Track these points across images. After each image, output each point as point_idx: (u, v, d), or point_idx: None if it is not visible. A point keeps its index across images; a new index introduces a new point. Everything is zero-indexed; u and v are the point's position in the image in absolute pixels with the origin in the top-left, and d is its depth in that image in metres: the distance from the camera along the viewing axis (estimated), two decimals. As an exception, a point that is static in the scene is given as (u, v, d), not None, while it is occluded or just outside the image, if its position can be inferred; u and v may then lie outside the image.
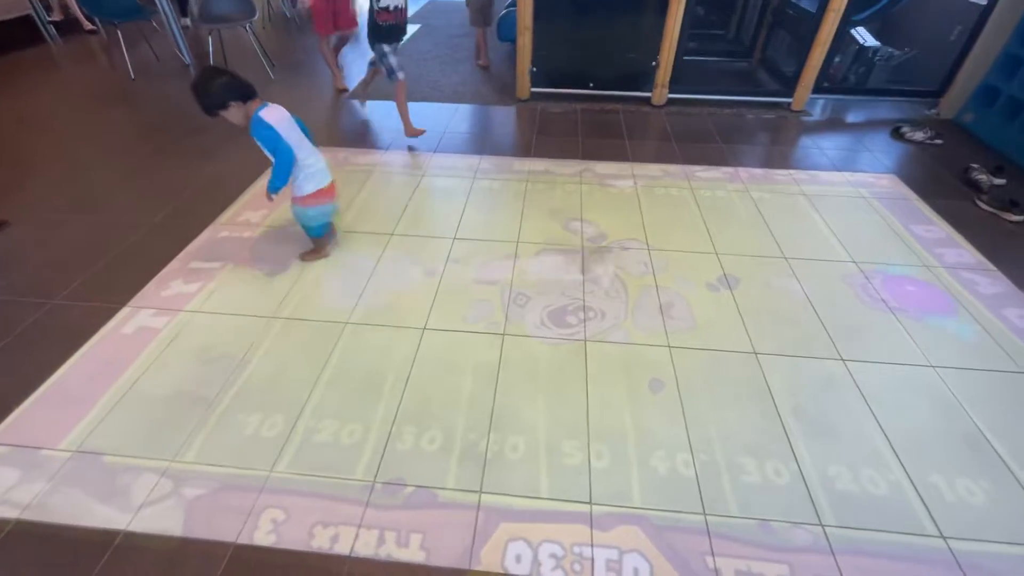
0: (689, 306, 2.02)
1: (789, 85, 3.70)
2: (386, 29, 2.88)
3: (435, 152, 3.17)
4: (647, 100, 3.81)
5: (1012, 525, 1.34)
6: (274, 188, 1.92)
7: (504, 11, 4.85)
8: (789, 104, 3.74)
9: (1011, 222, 2.54)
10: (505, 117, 3.67)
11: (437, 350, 1.83)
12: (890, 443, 1.53)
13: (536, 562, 1.26)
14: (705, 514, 1.35)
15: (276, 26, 5.99)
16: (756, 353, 1.82)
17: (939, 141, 3.29)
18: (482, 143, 3.31)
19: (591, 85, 3.81)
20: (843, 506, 1.37)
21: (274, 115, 1.89)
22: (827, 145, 3.32)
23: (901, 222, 2.53)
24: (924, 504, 1.38)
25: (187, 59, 4.56)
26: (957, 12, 3.75)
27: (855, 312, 2.00)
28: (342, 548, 1.27)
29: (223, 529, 1.31)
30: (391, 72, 2.99)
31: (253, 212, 2.55)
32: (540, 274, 2.18)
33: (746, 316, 1.97)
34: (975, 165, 2.87)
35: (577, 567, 1.24)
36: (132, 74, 4.25)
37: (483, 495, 1.39)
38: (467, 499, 1.38)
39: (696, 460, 1.48)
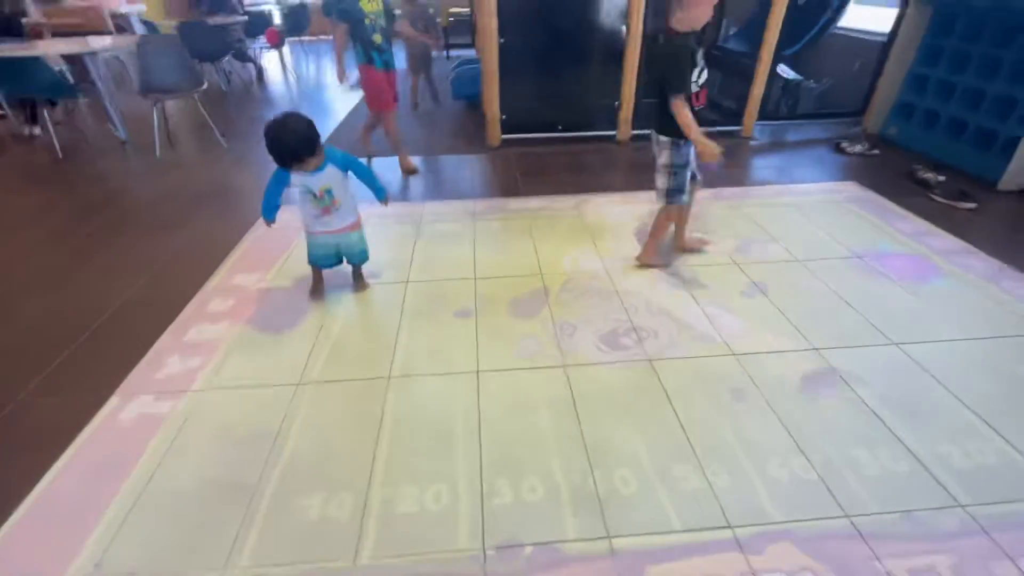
0: (733, 314, 2.01)
1: (738, 116, 4.03)
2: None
3: (425, 200, 3.09)
4: (612, 138, 3.99)
5: (1119, 474, 1.36)
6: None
7: (455, 70, 5.02)
8: (740, 131, 4.06)
9: (966, 210, 2.82)
10: (482, 164, 3.68)
11: (499, 391, 1.66)
12: (977, 414, 1.54)
13: (701, 604, 1.09)
14: (848, 516, 1.26)
15: (212, 99, 5.80)
16: (817, 349, 1.82)
17: (876, 151, 3.67)
18: (469, 188, 3.28)
19: (560, 128, 3.95)
20: (970, 483, 1.34)
21: None
22: (782, 163, 3.61)
23: (880, 219, 2.73)
24: (1037, 467, 1.38)
25: (122, 135, 4.24)
26: (856, 48, 4.35)
27: (885, 296, 2.08)
28: (475, 634, 1.04)
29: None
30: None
31: (247, 274, 2.30)
32: (575, 302, 2.10)
33: (790, 316, 1.99)
34: (918, 166, 3.21)
35: (747, 601, 1.10)
36: (60, 153, 3.88)
37: (613, 540, 1.22)
38: (597, 548, 1.20)
39: (812, 462, 1.40)
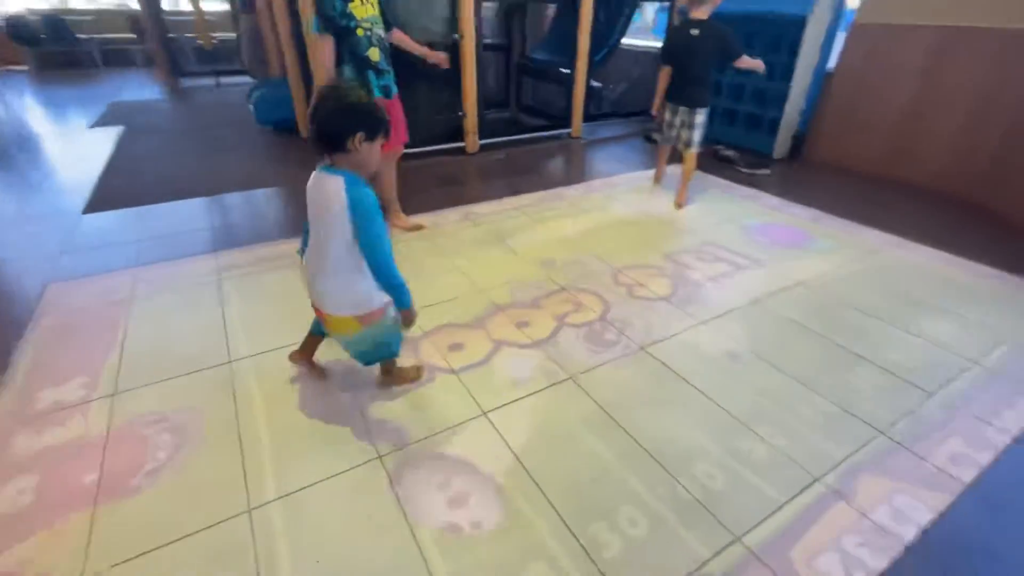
0: (681, 288, 2.10)
1: (564, 119, 4.36)
2: None
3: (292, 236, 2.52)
4: (462, 150, 3.90)
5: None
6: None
7: (257, 89, 4.29)
8: (569, 133, 4.39)
9: (766, 174, 3.54)
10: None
11: (524, 427, 1.40)
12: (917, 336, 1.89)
13: (849, 555, 1.06)
14: (883, 433, 1.40)
15: None
16: (758, 301, 2.01)
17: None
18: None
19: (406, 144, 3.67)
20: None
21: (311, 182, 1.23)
22: (615, 155, 4.02)
23: (721, 192, 3.22)
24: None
25: None
26: (635, 58, 5.13)
27: (775, 254, 2.43)
28: None
29: None
30: None
31: (53, 388, 1.51)
32: (528, 312, 1.93)
33: (723, 284, 2.17)
34: (718, 147, 3.92)
35: (880, 537, 1.11)
36: None
37: (743, 539, 1.11)
38: (736, 554, 1.08)
39: (833, 399, 1.52)
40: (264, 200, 3.01)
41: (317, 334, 1.53)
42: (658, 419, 1.43)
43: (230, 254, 2.33)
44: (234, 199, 3.00)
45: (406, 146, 2.69)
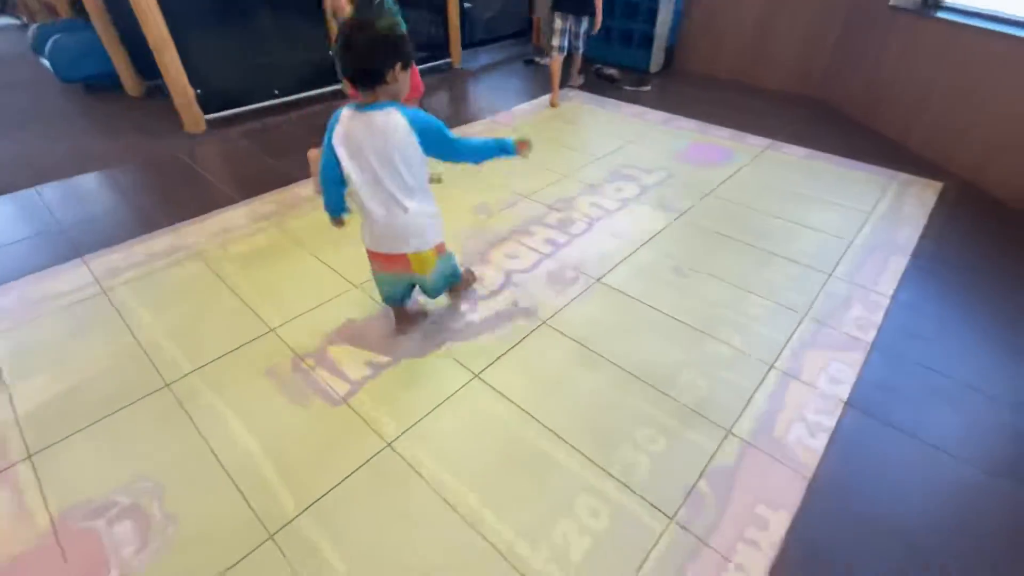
0: (610, 216, 2.20)
1: (442, 48, 4.08)
2: None
3: (178, 224, 2.13)
4: (339, 93, 3.50)
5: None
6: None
7: (48, 37, 3.34)
8: (450, 63, 4.14)
9: (647, 90, 3.71)
10: (202, 155, 2.71)
11: (518, 380, 1.44)
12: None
13: (811, 422, 1.31)
14: (809, 315, 1.67)
15: None
16: (682, 212, 2.20)
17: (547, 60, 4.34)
18: (198, 201, 2.39)
19: (276, 93, 3.20)
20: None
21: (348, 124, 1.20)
22: (503, 83, 3.91)
23: (615, 112, 3.33)
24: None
25: None
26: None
27: (689, 168, 2.62)
28: None
29: None
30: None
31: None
32: (480, 267, 1.91)
33: (645, 205, 2.31)
34: (598, 67, 3.98)
35: (826, 401, 1.37)
36: None
37: (733, 431, 1.30)
38: (733, 444, 1.27)
39: (764, 295, 1.76)
40: (109, 184, 2.47)
41: (400, 303, 1.57)
42: (634, 344, 1.56)
43: (101, 258, 1.93)
44: (68, 189, 2.42)
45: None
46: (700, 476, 1.20)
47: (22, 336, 1.58)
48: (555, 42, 3.19)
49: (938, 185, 2.47)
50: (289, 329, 1.61)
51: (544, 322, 1.64)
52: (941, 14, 2.68)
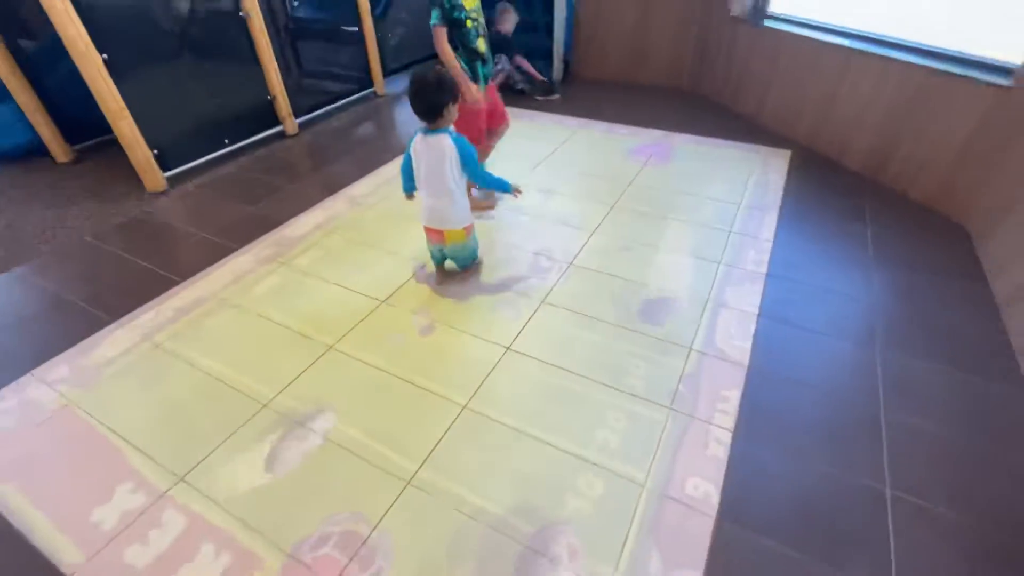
0: (559, 209, 2.74)
1: (363, 80, 4.38)
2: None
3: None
4: (281, 134, 3.71)
5: (734, 188, 2.93)
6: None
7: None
8: (375, 91, 4.46)
9: (556, 98, 4.30)
10: (165, 225, 2.85)
11: (540, 344, 1.93)
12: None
13: (740, 331, 1.94)
14: (722, 263, 2.32)
15: None
16: (612, 205, 2.79)
17: (471, 79, 4.81)
18: (197, 255, 2.59)
19: (227, 141, 3.36)
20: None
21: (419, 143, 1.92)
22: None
23: (534, 121, 3.88)
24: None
25: None
26: (404, 3, 5.20)
27: (640, 173, 3.22)
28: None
29: None
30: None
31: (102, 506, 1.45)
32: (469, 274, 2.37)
33: (586, 194, 2.88)
34: (513, 81, 4.51)
35: (748, 319, 2.01)
36: None
37: (693, 347, 1.89)
38: (694, 358, 1.86)
39: (691, 253, 2.39)
40: (97, 252, 2.57)
41: (440, 263, 2.24)
42: (614, 307, 2.11)
43: (136, 320, 2.11)
44: (56, 262, 2.49)
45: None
46: (679, 381, 1.77)
47: (102, 394, 1.78)
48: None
49: (787, 152, 3.30)
50: (346, 343, 1.96)
51: (543, 301, 2.14)
52: (768, 23, 3.52)
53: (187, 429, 1.66)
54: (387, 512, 1.41)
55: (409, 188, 2.12)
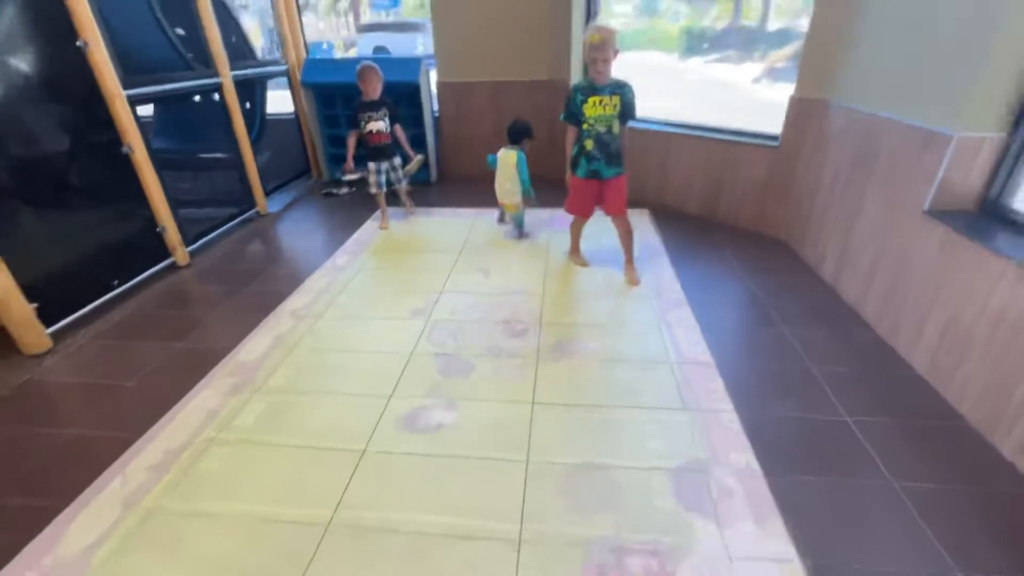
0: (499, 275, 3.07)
1: (245, 202, 4.28)
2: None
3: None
4: (174, 265, 3.39)
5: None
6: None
7: None
8: (257, 211, 4.36)
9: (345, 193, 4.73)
10: (59, 386, 2.40)
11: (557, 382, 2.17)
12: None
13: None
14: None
15: None
16: (545, 274, 3.22)
17: (348, 189, 5.00)
18: (143, 408, 2.27)
19: (116, 283, 2.96)
20: (633, 266, 3.25)
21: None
22: (320, 218, 4.38)
23: (432, 217, 4.22)
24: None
25: None
26: (276, 125, 5.25)
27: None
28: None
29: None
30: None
31: None
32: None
33: (525, 264, 3.26)
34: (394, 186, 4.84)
35: (694, 335, 2.55)
36: None
37: (672, 363, 2.33)
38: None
39: (638, 305, 2.90)
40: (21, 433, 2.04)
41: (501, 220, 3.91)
42: (596, 344, 2.46)
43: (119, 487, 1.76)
44: None
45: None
46: (677, 388, 2.16)
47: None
48: (372, 179, 3.93)
49: (645, 210, 4.21)
50: (378, 443, 1.93)
51: (537, 359, 2.39)
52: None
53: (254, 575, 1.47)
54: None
55: (493, 167, 3.63)
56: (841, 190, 2.88)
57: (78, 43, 2.70)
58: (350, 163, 3.94)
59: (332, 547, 1.55)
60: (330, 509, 1.68)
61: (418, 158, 4.05)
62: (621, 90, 2.73)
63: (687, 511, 1.63)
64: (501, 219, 3.99)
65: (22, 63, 2.51)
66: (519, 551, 1.52)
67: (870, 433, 1.93)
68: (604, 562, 1.48)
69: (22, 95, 2.53)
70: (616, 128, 2.79)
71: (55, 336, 2.63)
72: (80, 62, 2.74)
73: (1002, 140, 2.02)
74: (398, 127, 3.90)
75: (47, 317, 2.56)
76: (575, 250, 3.32)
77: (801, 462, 1.81)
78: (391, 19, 21.43)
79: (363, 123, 3.79)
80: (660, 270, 3.21)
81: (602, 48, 2.57)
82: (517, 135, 3.54)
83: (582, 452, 1.86)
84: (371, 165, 3.91)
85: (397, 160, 4.02)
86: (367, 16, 23.53)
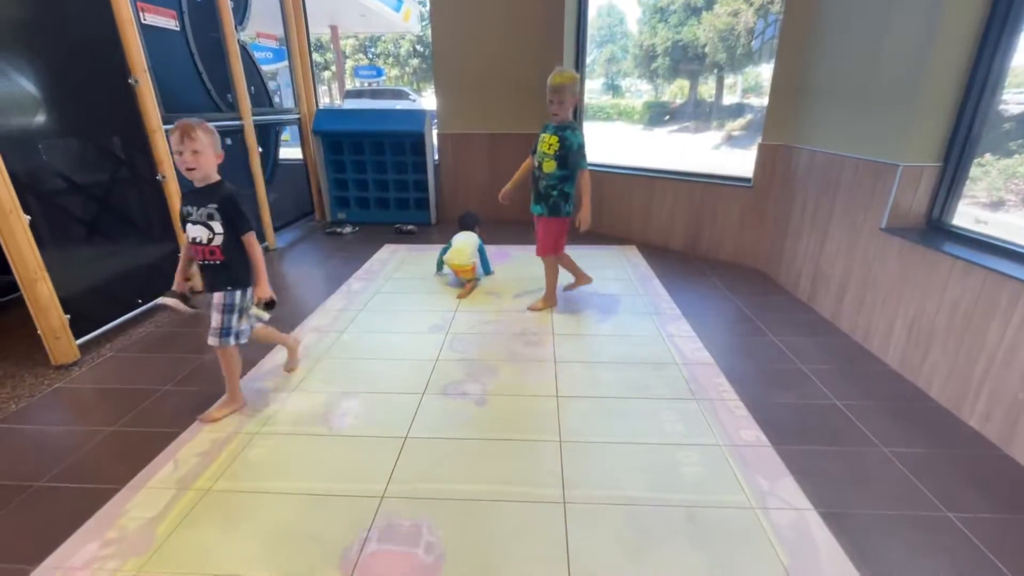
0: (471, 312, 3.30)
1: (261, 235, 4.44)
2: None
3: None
4: (192, 290, 3.48)
5: (620, 271, 3.96)
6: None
7: None
8: (267, 246, 4.52)
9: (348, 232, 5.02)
10: (95, 392, 2.45)
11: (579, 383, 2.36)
12: (595, 279, 3.76)
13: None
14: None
15: None
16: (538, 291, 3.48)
17: (351, 228, 5.24)
18: (158, 420, 2.34)
19: (140, 301, 3.04)
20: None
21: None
22: (326, 254, 4.58)
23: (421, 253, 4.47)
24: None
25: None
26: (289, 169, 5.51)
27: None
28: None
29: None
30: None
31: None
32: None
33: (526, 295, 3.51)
34: (397, 225, 5.12)
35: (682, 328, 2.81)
36: None
37: (681, 368, 2.57)
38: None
39: (642, 324, 3.17)
40: (39, 433, 2.07)
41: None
42: (609, 350, 2.68)
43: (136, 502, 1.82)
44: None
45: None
46: (687, 383, 2.39)
47: (172, 551, 1.52)
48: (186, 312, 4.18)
49: (634, 246, 4.58)
50: (417, 431, 2.05)
51: (555, 361, 2.59)
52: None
53: (318, 539, 1.55)
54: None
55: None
56: (809, 220, 3.30)
57: (130, 80, 2.96)
58: (179, 279, 2.31)
59: (391, 512, 1.66)
60: (382, 484, 1.78)
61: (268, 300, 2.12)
62: (562, 132, 2.78)
63: (711, 474, 1.81)
64: (439, 270, 3.87)
65: (81, 96, 2.74)
66: (565, 511, 1.66)
67: (858, 413, 2.18)
68: (642, 515, 1.63)
69: (79, 125, 2.75)
70: (548, 167, 2.84)
71: (82, 348, 2.68)
72: (130, 97, 2.99)
73: (939, 168, 2.47)
74: (250, 238, 2.11)
75: (76, 330, 2.63)
76: (574, 276, 3.44)
77: (803, 436, 2.03)
78: (374, 87, 22.72)
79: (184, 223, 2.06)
80: (655, 292, 3.51)
81: (558, 91, 2.69)
82: (472, 222, 3.86)
83: (609, 433, 2.04)
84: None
85: (237, 295, 2.13)
86: (352, 83, 24.86)
